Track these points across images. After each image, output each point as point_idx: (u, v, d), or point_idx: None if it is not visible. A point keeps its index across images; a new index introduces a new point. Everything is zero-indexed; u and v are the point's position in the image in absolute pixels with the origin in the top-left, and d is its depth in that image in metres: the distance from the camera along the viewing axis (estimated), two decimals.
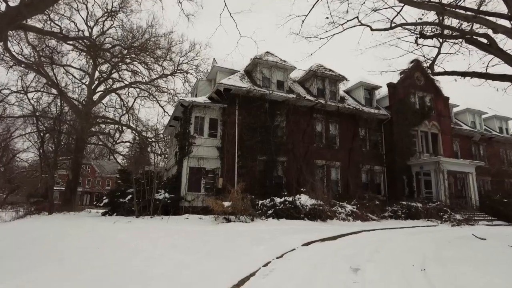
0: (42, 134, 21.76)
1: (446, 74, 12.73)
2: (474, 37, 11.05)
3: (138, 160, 25.18)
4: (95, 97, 30.04)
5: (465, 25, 11.70)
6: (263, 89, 18.84)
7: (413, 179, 21.71)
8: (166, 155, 26.29)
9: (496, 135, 28.44)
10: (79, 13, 26.29)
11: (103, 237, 8.71)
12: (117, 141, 29.70)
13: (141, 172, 16.00)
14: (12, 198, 33.55)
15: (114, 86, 30.61)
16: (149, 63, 29.38)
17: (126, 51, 27.42)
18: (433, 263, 6.78)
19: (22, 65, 22.45)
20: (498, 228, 16.54)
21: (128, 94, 31.22)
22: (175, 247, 7.28)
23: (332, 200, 16.75)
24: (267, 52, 20.56)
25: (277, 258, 6.71)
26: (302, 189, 16.53)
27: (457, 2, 10.55)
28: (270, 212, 14.59)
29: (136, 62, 29.78)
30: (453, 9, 9.67)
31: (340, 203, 16.70)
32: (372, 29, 12.00)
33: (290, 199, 15.09)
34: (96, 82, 30.18)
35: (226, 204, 12.86)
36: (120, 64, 29.68)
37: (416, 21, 11.85)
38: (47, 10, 16.90)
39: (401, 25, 11.85)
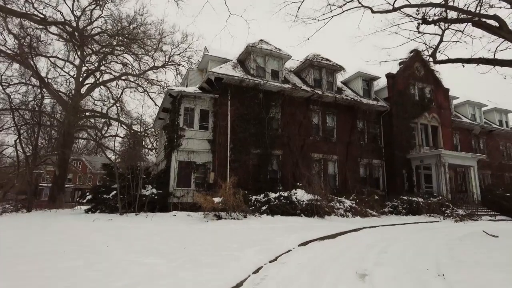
0: (18, 128, 20.46)
1: (449, 62, 11.82)
2: (482, 19, 10.18)
3: (131, 156, 24.04)
4: (83, 90, 28.79)
5: (472, 7, 10.83)
6: (257, 79, 17.82)
7: (413, 173, 20.91)
8: (157, 149, 25.21)
9: (496, 128, 27.76)
10: (65, 2, 24.98)
11: (72, 239, 7.71)
12: (105, 135, 28.44)
13: (127, 167, 14.94)
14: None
15: (102, 79, 29.34)
16: (140, 54, 28.18)
17: (115, 41, 26.17)
18: (450, 266, 5.88)
19: (2, 55, 21.12)
20: (504, 223, 15.80)
21: (117, 86, 29.97)
22: (152, 251, 6.30)
23: (330, 195, 15.84)
24: (261, 40, 19.51)
25: (270, 262, 5.77)
26: (298, 183, 15.60)
27: None
28: (264, 208, 13.66)
29: (126, 54, 28.59)
30: None
31: (338, 198, 15.83)
32: (373, 11, 11.02)
33: (286, 194, 14.17)
34: (84, 75, 28.91)
35: (217, 200, 11.90)
36: (109, 55, 28.43)
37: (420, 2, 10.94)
38: None
39: (404, 6, 10.89)
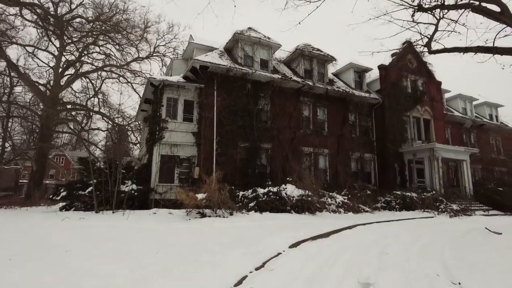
0: None
1: (446, 52, 11.13)
2: (483, 4, 9.48)
3: (115, 151, 22.75)
4: (63, 81, 27.26)
5: None
6: (245, 68, 16.85)
7: (405, 167, 20.37)
8: (141, 144, 24.02)
9: (487, 122, 27.55)
10: None
11: (30, 241, 6.70)
12: (85, 128, 27.02)
13: (104, 161, 13.83)
14: None
15: (83, 70, 27.82)
16: (123, 44, 26.79)
17: (97, 30, 24.69)
18: (461, 269, 5.16)
19: None
20: (498, 218, 15.38)
21: (100, 77, 28.47)
22: (118, 256, 5.37)
23: (321, 190, 15.05)
24: (250, 27, 18.49)
25: (256, 269, 4.91)
26: (288, 178, 14.74)
27: None
28: (252, 204, 12.78)
29: (109, 45, 27.14)
30: None
31: (330, 194, 15.08)
32: None
33: (275, 189, 13.31)
34: (64, 66, 27.34)
35: (200, 196, 10.97)
36: (91, 46, 26.93)
37: None
38: None
39: None
